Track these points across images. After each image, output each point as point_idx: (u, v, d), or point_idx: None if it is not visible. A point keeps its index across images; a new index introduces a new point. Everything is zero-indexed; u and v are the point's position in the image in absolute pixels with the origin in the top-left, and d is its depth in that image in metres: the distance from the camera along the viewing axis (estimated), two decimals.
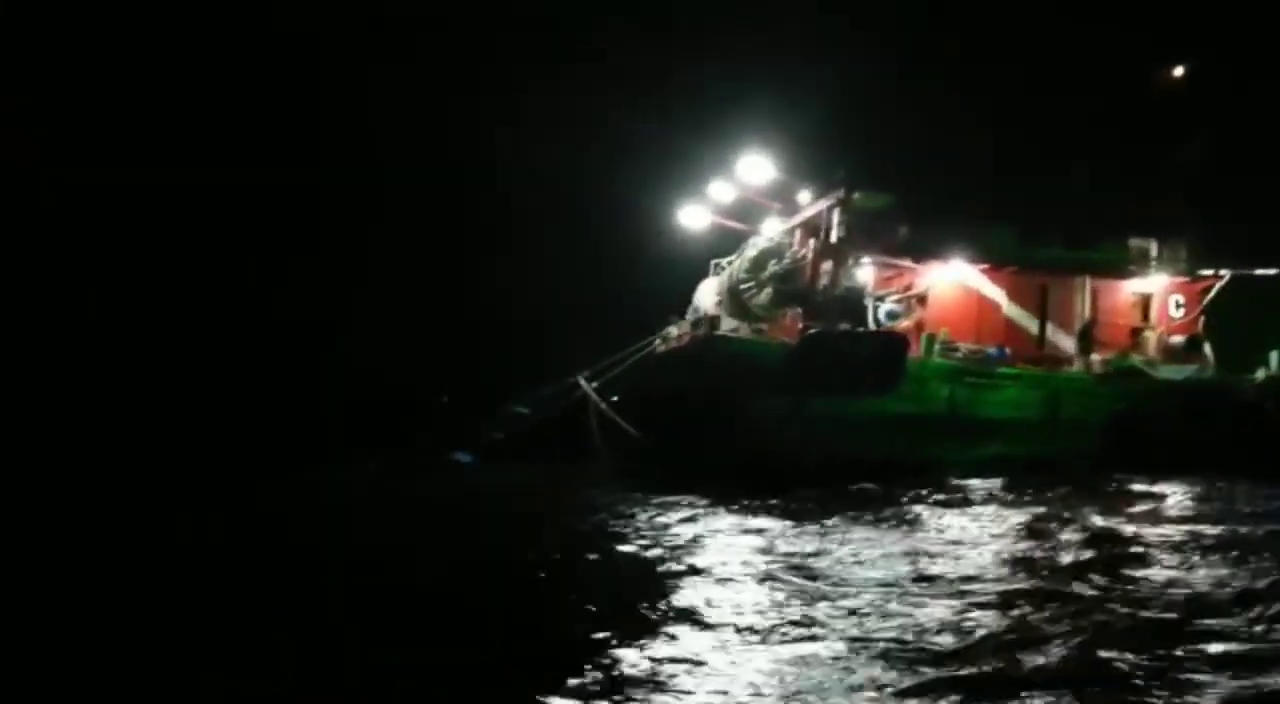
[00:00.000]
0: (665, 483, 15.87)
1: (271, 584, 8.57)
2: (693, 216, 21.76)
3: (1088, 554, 9.49)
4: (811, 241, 19.77)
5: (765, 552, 10.19)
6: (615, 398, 19.37)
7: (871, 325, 19.40)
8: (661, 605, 7.70)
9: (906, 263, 20.30)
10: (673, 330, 20.59)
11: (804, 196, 20.51)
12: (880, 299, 20.15)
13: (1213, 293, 21.24)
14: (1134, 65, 23.41)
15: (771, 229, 20.80)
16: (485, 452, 18.88)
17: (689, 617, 7.36)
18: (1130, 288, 21.01)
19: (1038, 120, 22.58)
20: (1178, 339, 20.77)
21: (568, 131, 28.54)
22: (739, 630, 6.93)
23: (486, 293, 28.17)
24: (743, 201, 21.30)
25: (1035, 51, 25.59)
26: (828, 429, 17.47)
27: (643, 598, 7.89)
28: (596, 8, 30.76)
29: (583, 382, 19.52)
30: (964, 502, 14.28)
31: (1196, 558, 9.19)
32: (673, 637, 6.83)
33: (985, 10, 27.02)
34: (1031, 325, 20.50)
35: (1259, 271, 20.87)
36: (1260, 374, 19.23)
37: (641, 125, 27.75)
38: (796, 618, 7.27)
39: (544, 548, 10.79)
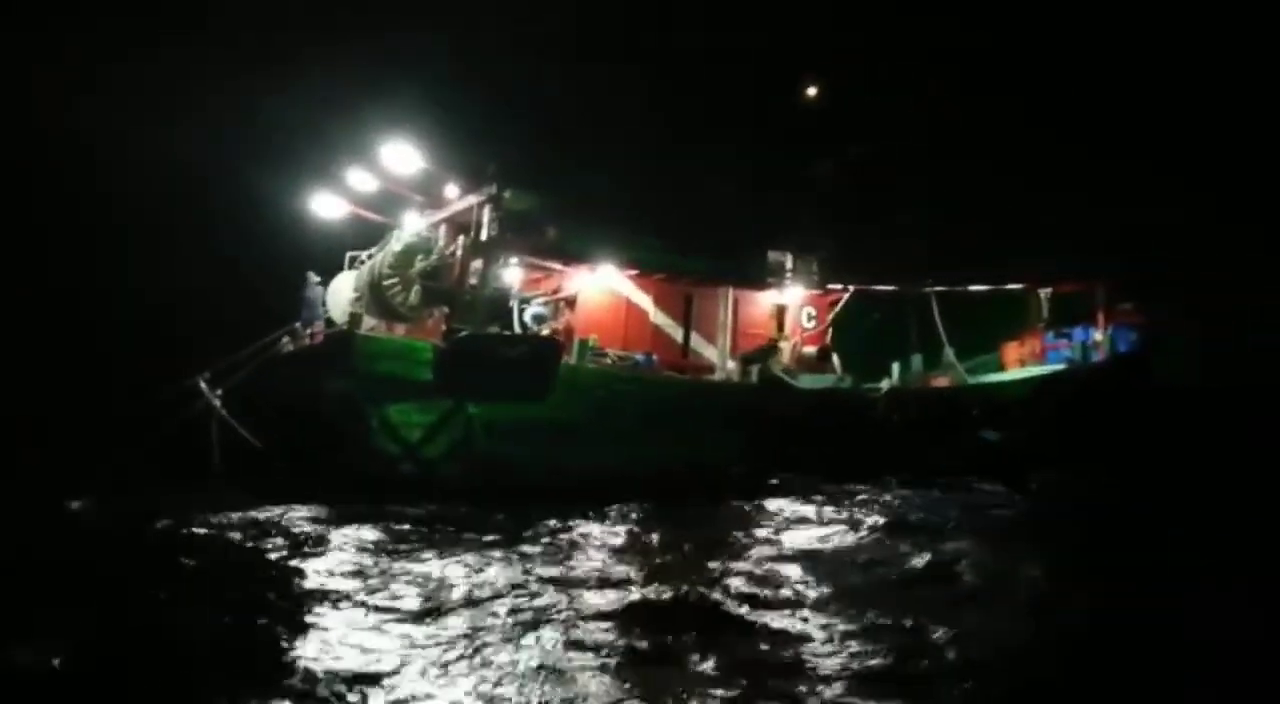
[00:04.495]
0: (285, 498, 14.24)
1: None
2: (327, 206, 19.95)
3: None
4: (460, 238, 18.66)
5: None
6: (235, 402, 17.37)
7: (517, 328, 18.72)
8: None
9: (556, 265, 19.73)
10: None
11: (451, 191, 19.38)
12: (526, 301, 19.56)
13: (839, 306, 22.21)
14: (775, 83, 24.11)
15: (414, 223, 19.51)
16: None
17: None
18: (768, 299, 21.47)
19: (687, 132, 22.79)
20: (810, 350, 21.55)
21: (185, 108, 26.02)
22: None
23: (101, 290, 25.25)
24: (384, 192, 19.82)
25: (685, 65, 25.95)
26: (476, 436, 16.56)
27: None
28: None
29: (203, 385, 17.35)
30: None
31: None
32: None
33: (640, 23, 27.14)
34: (677, 333, 20.52)
35: (878, 287, 21.91)
36: (885, 384, 20.13)
37: (274, 106, 25.73)
38: None
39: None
